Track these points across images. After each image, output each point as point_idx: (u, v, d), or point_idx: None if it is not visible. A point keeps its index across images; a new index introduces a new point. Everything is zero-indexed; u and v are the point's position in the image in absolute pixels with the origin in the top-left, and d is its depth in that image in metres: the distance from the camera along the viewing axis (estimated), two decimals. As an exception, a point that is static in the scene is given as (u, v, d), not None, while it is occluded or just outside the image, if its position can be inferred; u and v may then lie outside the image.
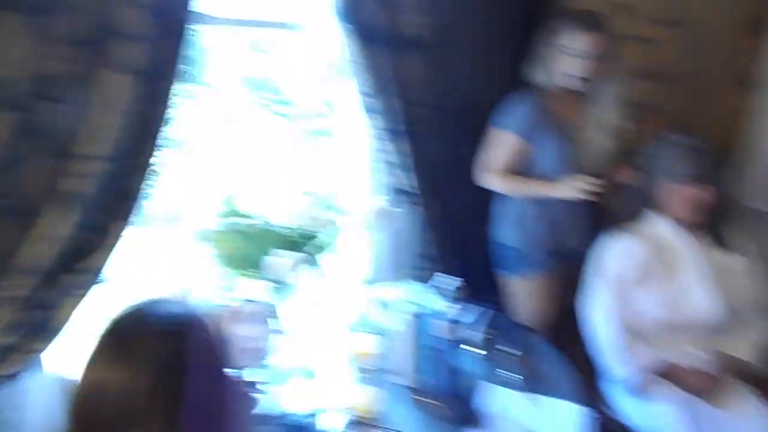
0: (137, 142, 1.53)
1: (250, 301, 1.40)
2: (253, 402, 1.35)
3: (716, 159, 1.72)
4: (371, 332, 1.50)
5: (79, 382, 0.71)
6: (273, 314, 1.42)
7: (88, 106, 1.43)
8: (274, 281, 1.47)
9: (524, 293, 1.94)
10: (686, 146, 1.65)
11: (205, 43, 1.84)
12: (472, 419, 1.30)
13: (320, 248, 1.58)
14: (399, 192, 2.04)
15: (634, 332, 1.68)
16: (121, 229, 1.55)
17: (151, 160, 1.56)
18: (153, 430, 0.68)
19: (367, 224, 1.59)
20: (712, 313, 1.62)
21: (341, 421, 1.35)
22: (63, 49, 1.39)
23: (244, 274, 1.61)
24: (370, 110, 1.81)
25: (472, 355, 1.47)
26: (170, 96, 1.54)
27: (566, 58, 1.70)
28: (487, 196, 2.00)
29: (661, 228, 1.71)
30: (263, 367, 1.44)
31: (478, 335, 1.52)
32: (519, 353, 1.43)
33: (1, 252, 1.42)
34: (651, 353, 1.64)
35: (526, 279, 1.92)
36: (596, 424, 1.27)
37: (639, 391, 1.67)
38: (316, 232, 1.52)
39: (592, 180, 1.68)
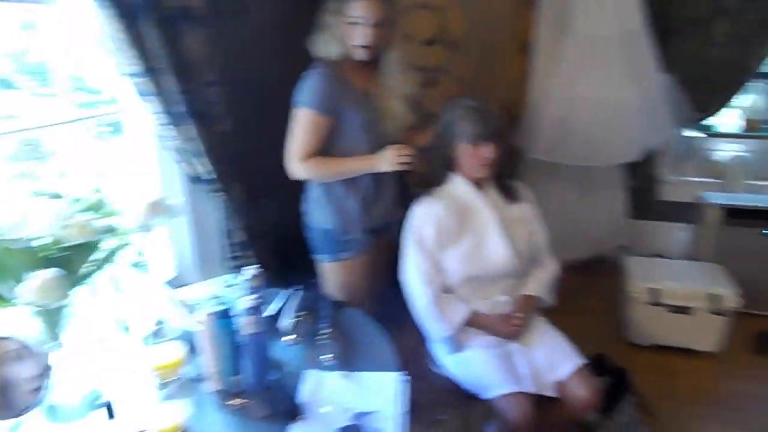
0: None
1: (5, 338, 1.14)
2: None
3: (500, 118, 1.83)
4: (173, 340, 1.33)
5: None
6: (41, 346, 1.18)
7: None
8: (37, 307, 1.21)
9: (342, 275, 1.91)
10: (472, 108, 1.72)
11: None
12: (294, 412, 1.22)
13: (99, 259, 1.35)
14: (196, 180, 1.86)
15: (446, 290, 1.75)
16: None
17: None
18: None
19: (159, 222, 1.40)
20: (509, 262, 1.74)
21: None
22: None
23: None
24: (143, 93, 1.59)
25: (284, 344, 1.39)
26: None
27: (350, 27, 1.66)
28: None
29: (459, 188, 1.79)
30: (43, 408, 1.20)
31: (288, 321, 1.44)
32: (329, 331, 1.38)
33: None
34: (462, 308, 1.73)
35: (342, 261, 1.89)
36: (409, 388, 1.26)
37: (455, 345, 1.76)
38: (90, 241, 1.28)
39: (406, 149, 1.68)
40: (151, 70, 1.56)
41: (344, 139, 1.75)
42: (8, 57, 1.70)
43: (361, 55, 1.70)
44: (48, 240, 1.21)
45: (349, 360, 1.36)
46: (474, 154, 1.71)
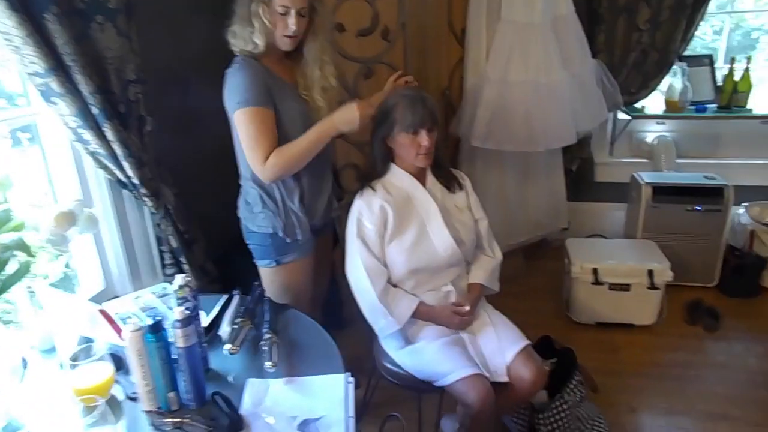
0: None
1: None
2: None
3: (437, 106, 1.80)
4: (100, 359, 1.22)
5: None
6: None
7: None
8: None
9: (286, 279, 1.82)
10: (407, 97, 1.69)
11: None
12: (236, 426, 1.15)
13: (5, 277, 1.22)
14: (122, 186, 1.74)
15: (391, 284, 1.72)
16: None
17: None
18: None
19: (75, 233, 1.28)
20: (453, 252, 1.72)
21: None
22: None
23: None
24: (47, 94, 1.46)
25: (224, 353, 1.31)
26: None
27: (278, 17, 1.59)
28: (228, 178, 1.83)
29: (399, 179, 1.76)
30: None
31: (226, 329, 1.37)
32: (270, 337, 1.32)
33: None
34: (409, 301, 1.70)
35: (285, 264, 1.80)
36: (353, 389, 1.22)
37: (405, 339, 1.73)
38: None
39: (366, 104, 1.64)
40: (57, 69, 1.43)
41: (284, 132, 1.65)
42: None
43: (287, 45, 1.64)
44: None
45: (293, 365, 1.30)
46: (412, 143, 1.68)
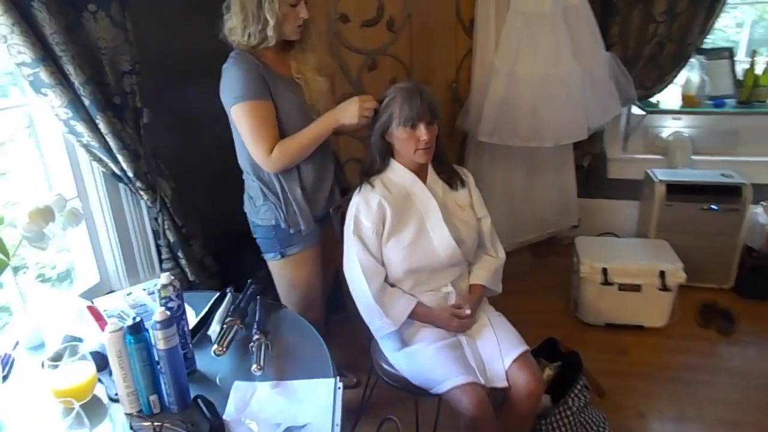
0: None
1: None
2: None
3: (438, 99, 1.74)
4: (84, 359, 1.19)
5: None
6: None
7: None
8: None
9: (294, 271, 1.82)
10: (406, 90, 1.62)
11: None
12: (217, 431, 1.11)
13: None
14: (118, 179, 1.71)
15: (389, 283, 1.67)
16: None
17: None
18: None
19: (57, 228, 1.25)
20: (453, 251, 1.66)
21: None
22: None
23: None
24: (36, 85, 1.42)
25: (211, 354, 1.27)
26: None
27: (290, 9, 1.58)
28: (228, 172, 1.79)
29: (399, 175, 1.70)
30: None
31: (215, 329, 1.33)
32: (259, 338, 1.27)
33: None
34: (406, 302, 1.64)
35: (292, 256, 1.79)
36: (342, 393, 1.17)
37: (402, 341, 1.68)
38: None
39: (368, 99, 1.64)
40: (46, 59, 1.39)
41: (282, 124, 1.65)
42: None
43: (296, 34, 1.66)
44: None
45: (282, 367, 1.26)
46: (410, 138, 1.62)
